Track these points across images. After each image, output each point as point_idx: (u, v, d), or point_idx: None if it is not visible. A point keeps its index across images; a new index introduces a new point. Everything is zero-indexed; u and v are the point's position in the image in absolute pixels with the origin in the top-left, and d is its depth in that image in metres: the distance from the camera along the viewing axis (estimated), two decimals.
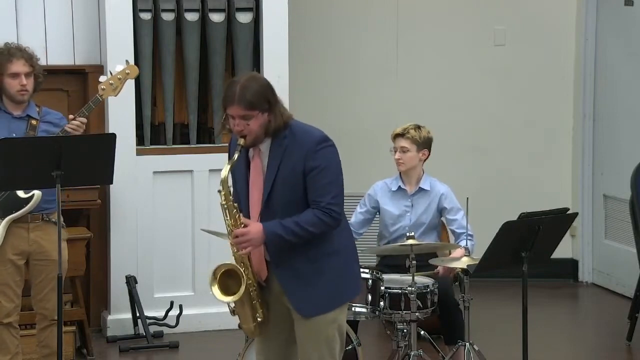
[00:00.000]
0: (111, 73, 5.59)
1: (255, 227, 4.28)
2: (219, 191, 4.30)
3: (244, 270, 4.34)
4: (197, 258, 7.19)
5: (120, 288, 7.04)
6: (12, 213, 5.48)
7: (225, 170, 4.28)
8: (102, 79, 5.58)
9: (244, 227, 4.29)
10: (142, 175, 7.08)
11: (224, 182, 4.28)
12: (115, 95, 5.61)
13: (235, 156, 4.28)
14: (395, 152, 6.17)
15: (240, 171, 4.38)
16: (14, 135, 5.47)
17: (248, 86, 4.25)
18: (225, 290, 4.37)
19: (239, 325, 4.55)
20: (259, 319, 4.43)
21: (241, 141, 4.28)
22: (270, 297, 4.45)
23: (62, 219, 5.63)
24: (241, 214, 4.33)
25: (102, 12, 7.09)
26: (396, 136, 6.17)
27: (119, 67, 5.61)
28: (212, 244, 6.70)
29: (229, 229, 4.32)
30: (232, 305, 4.42)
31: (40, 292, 5.58)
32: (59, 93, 7.00)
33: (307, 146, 4.30)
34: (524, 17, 8.60)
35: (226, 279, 4.37)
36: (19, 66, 5.50)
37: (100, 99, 5.54)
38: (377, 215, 6.33)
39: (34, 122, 5.54)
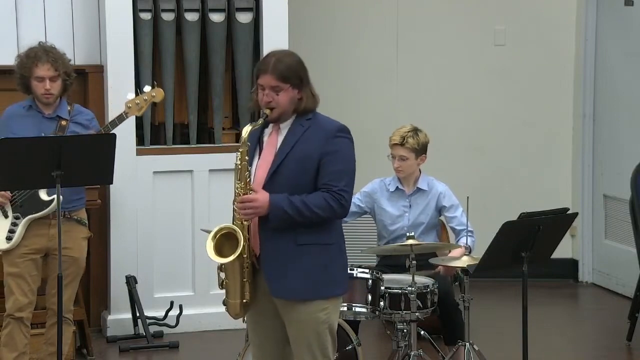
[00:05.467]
0: (139, 93, 5.72)
1: (262, 196, 4.28)
2: (238, 150, 4.30)
3: (243, 238, 4.30)
4: (197, 258, 7.20)
5: (120, 288, 7.04)
6: (32, 214, 5.55)
7: (246, 131, 4.29)
8: (129, 96, 5.71)
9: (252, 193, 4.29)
10: (142, 175, 7.08)
11: (243, 142, 4.29)
12: (139, 115, 5.83)
13: (260, 121, 4.31)
14: (394, 159, 6.16)
15: (251, 146, 4.37)
16: (43, 135, 5.52)
17: (283, 59, 4.35)
18: (219, 254, 4.34)
19: (224, 302, 4.51)
20: (245, 300, 4.39)
21: (267, 111, 4.32)
22: (262, 293, 4.42)
23: (85, 216, 5.77)
24: (251, 179, 4.33)
25: (102, 12, 7.10)
26: (394, 145, 6.15)
27: (147, 88, 5.76)
28: None
29: (237, 191, 4.32)
30: (223, 276, 4.40)
31: (54, 287, 5.60)
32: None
33: (328, 131, 4.35)
34: (524, 17, 8.60)
35: (223, 242, 4.34)
36: (43, 70, 5.56)
37: (126, 117, 5.66)
38: (366, 215, 6.33)
39: (63, 122, 5.61)
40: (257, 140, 4.43)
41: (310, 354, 4.39)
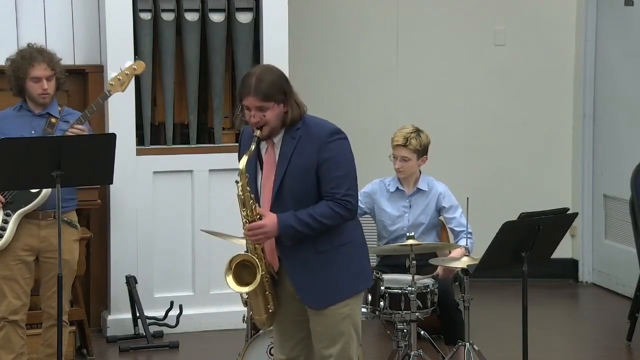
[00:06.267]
0: (121, 69, 5.63)
1: (270, 220, 4.30)
2: (237, 182, 4.31)
3: (258, 261, 4.35)
4: (197, 258, 7.20)
5: (120, 288, 7.04)
6: (22, 207, 5.52)
7: (243, 162, 4.30)
8: (110, 75, 5.64)
9: (259, 218, 4.32)
10: (142, 175, 7.08)
11: (242, 173, 4.30)
12: (122, 91, 5.69)
13: (252, 147, 4.32)
14: (396, 160, 6.16)
15: (250, 164, 4.39)
16: (33, 132, 5.52)
17: (263, 77, 4.30)
18: (239, 281, 4.38)
19: (250, 317, 4.56)
20: (270, 310, 4.44)
21: (257, 132, 4.32)
22: (284, 294, 4.47)
23: (76, 218, 5.73)
24: (257, 205, 4.36)
25: (102, 12, 7.10)
26: (397, 146, 6.15)
27: (128, 63, 5.69)
28: (212, 244, 6.70)
29: (244, 220, 4.34)
30: (245, 296, 4.43)
31: (48, 290, 5.60)
32: (59, 93, 6.97)
33: (320, 138, 4.34)
34: (524, 17, 8.60)
35: (240, 269, 4.38)
36: (40, 70, 5.55)
37: (109, 95, 5.62)
38: (366, 215, 6.32)
39: (53, 120, 5.59)
40: (256, 157, 4.43)
41: (332, 349, 4.41)
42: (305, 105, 4.41)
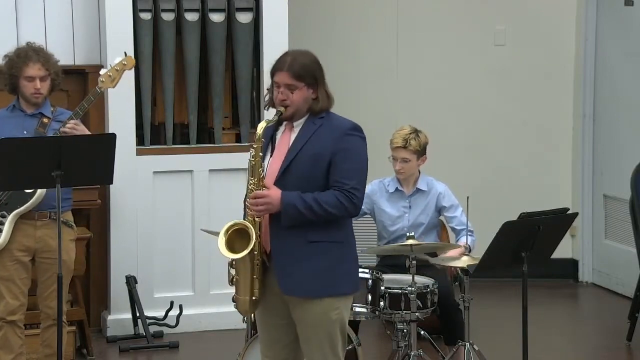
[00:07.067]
0: (110, 65, 5.64)
1: (275, 192, 4.29)
2: (253, 146, 4.32)
3: (255, 235, 4.31)
4: (197, 258, 7.20)
5: (120, 288, 7.04)
6: (17, 208, 5.52)
7: (261, 127, 4.32)
8: (102, 72, 5.65)
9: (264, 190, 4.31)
10: (142, 175, 7.08)
11: (258, 138, 4.31)
12: (113, 87, 5.68)
13: (274, 118, 4.35)
14: (396, 161, 6.15)
15: (264, 145, 4.38)
16: (25, 133, 5.52)
17: (299, 58, 4.40)
18: (231, 249, 4.34)
19: (233, 299, 4.52)
20: (254, 298, 4.39)
21: (282, 109, 4.34)
22: (270, 287, 4.41)
23: (72, 218, 5.72)
24: (265, 176, 4.35)
25: (102, 12, 7.10)
26: (397, 148, 6.14)
27: (117, 59, 5.69)
28: (212, 244, 6.67)
29: (250, 187, 4.33)
30: (233, 272, 4.41)
31: (46, 291, 5.60)
32: (59, 93, 6.94)
33: (340, 129, 4.38)
34: (524, 17, 8.60)
35: (234, 239, 4.34)
36: (34, 70, 5.55)
37: (100, 91, 5.60)
38: (366, 215, 6.32)
39: (45, 120, 5.58)
40: (270, 139, 4.44)
41: (321, 353, 4.40)
42: (334, 99, 4.44)
